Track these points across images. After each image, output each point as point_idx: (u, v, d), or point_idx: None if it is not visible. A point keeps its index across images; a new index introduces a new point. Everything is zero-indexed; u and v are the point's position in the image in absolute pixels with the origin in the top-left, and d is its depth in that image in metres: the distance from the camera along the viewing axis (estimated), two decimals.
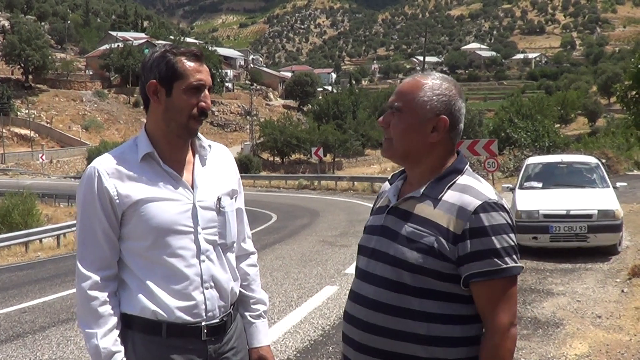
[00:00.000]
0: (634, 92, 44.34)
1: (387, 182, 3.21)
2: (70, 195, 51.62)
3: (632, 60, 46.07)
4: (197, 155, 3.24)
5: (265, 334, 3.47)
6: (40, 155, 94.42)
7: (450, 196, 2.82)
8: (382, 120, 2.96)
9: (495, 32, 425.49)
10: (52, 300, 13.50)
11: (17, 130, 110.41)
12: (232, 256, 3.30)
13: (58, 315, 11.86)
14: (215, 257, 3.15)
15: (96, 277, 3.02)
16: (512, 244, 2.76)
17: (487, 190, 2.84)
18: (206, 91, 3.09)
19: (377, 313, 2.82)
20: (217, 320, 3.13)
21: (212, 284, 3.11)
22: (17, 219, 34.14)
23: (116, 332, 3.01)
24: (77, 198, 3.13)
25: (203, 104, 3.07)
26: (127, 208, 3.04)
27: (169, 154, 3.15)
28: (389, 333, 2.79)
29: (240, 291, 3.38)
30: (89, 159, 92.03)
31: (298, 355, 8.51)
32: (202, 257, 3.09)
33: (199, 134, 3.25)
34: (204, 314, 3.08)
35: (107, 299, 3.02)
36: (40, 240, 29.32)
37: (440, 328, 2.74)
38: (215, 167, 3.30)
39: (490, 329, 2.73)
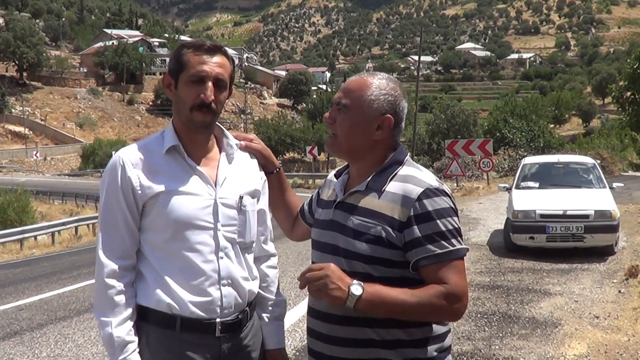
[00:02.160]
0: (629, 93, 44.43)
1: (332, 174, 3.33)
2: (65, 193, 51.61)
3: (628, 61, 46.21)
4: (223, 153, 3.24)
5: (282, 337, 3.46)
6: (34, 152, 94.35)
7: (393, 187, 2.92)
8: (328, 116, 3.04)
9: (489, 32, 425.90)
10: (49, 297, 13.49)
11: (11, 127, 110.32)
12: (250, 256, 3.28)
13: (55, 312, 11.85)
14: (233, 255, 3.13)
15: (114, 266, 3.02)
16: (456, 226, 2.87)
17: (428, 178, 2.93)
18: (209, 83, 3.04)
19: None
20: (232, 318, 3.11)
21: (230, 281, 3.09)
22: (11, 216, 34.21)
23: (131, 322, 3.01)
24: (101, 187, 3.13)
25: (202, 95, 3.03)
26: (148, 199, 3.04)
27: (193, 149, 3.15)
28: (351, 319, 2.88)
29: (258, 292, 3.36)
30: (83, 157, 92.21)
31: (297, 353, 8.51)
32: (221, 254, 3.08)
33: (227, 132, 3.27)
34: (219, 310, 3.06)
35: (124, 289, 3.02)
36: (35, 237, 29.35)
37: None
38: (241, 166, 3.29)
39: (443, 289, 2.78)
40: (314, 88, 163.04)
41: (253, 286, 3.26)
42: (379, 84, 2.97)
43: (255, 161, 3.41)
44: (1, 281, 16.74)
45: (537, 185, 16.25)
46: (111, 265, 3.02)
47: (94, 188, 48.14)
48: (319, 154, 69.69)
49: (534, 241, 14.69)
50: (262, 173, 3.44)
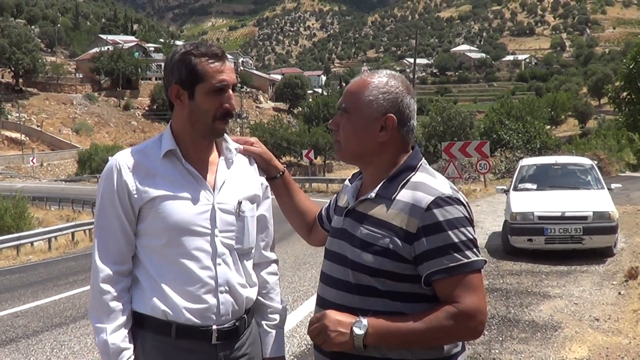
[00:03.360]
0: (625, 93, 44.45)
1: (347, 181, 3.19)
2: (62, 198, 51.52)
3: (624, 61, 46.29)
4: (222, 157, 3.18)
5: (281, 345, 3.38)
6: (30, 158, 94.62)
7: (403, 195, 2.76)
8: (333, 123, 2.94)
9: (484, 34, 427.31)
10: (45, 304, 13.42)
11: (7, 133, 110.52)
12: (249, 262, 3.23)
13: (51, 319, 11.79)
14: (231, 262, 3.07)
15: (110, 271, 2.98)
16: (471, 237, 2.69)
17: (440, 185, 2.76)
18: (230, 91, 3.03)
19: None
20: (229, 325, 3.05)
21: (227, 288, 3.03)
22: (8, 222, 34.14)
23: (126, 328, 2.98)
24: (98, 190, 3.09)
25: (227, 105, 3.02)
26: (144, 204, 3.00)
27: (193, 153, 3.09)
28: None
29: (258, 299, 3.30)
30: (80, 162, 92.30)
31: (295, 359, 8.45)
32: (218, 261, 3.02)
33: (227, 136, 3.20)
34: (216, 317, 3.01)
35: (120, 294, 2.98)
36: (32, 243, 29.28)
37: None
38: (240, 170, 3.23)
39: (454, 310, 2.63)
40: (309, 92, 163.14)
41: (251, 293, 3.19)
42: (377, 82, 2.86)
43: (255, 166, 3.35)
44: None
45: (535, 187, 16.21)
46: (107, 271, 2.99)
47: (91, 193, 48.18)
48: (316, 158, 69.60)
49: (532, 243, 14.64)
50: (263, 178, 3.36)
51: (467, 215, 2.72)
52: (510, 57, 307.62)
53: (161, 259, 3.00)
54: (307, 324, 2.71)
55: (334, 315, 2.67)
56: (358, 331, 2.61)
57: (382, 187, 2.82)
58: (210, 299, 2.99)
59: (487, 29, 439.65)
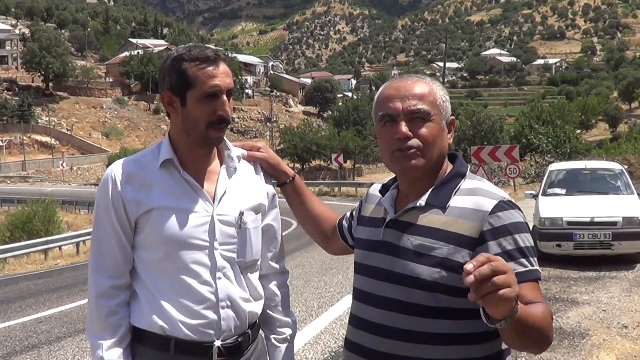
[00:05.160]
0: None
1: (374, 188, 3.04)
2: (91, 202, 51.83)
3: None
4: (224, 166, 3.05)
5: (290, 359, 3.27)
6: (60, 162, 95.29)
7: (458, 201, 2.63)
8: (404, 131, 2.64)
9: (515, 38, 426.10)
10: (69, 309, 13.44)
11: (37, 137, 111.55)
12: (253, 275, 3.09)
13: (75, 325, 11.77)
14: (232, 275, 2.95)
15: (106, 285, 2.90)
16: (533, 244, 2.55)
17: (497, 190, 2.65)
18: (224, 97, 2.87)
19: (385, 339, 2.62)
20: (231, 341, 2.94)
21: (229, 303, 2.91)
22: (37, 226, 34.35)
23: (123, 344, 2.89)
24: (95, 203, 3.00)
25: (220, 112, 2.86)
26: (140, 215, 2.89)
27: (191, 162, 2.97)
28: None
29: (266, 312, 3.20)
30: (109, 166, 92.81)
31: None
32: (219, 275, 2.90)
33: (229, 143, 3.08)
34: (217, 333, 2.90)
35: (116, 309, 2.90)
36: (60, 247, 29.38)
37: (459, 350, 2.54)
38: (243, 179, 3.10)
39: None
40: (339, 95, 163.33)
41: (255, 307, 3.06)
42: (436, 84, 2.75)
43: (261, 174, 3.21)
44: (23, 292, 16.74)
45: (564, 191, 16.04)
46: (102, 285, 2.91)
47: None
48: (345, 162, 69.59)
49: (561, 249, 14.49)
50: (270, 187, 3.23)
51: (526, 221, 2.60)
52: (540, 61, 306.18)
53: (159, 272, 2.90)
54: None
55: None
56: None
57: (432, 195, 2.67)
58: (211, 314, 2.88)
59: (518, 32, 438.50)
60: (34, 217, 34.92)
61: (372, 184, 3.23)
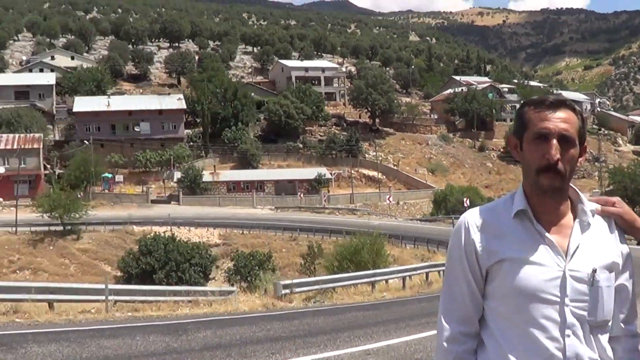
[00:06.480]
0: None
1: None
2: (417, 237, 52.73)
3: None
4: (577, 220, 2.93)
5: None
6: (387, 196, 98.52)
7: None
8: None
9: None
10: (396, 344, 13.64)
11: (365, 171, 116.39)
12: (604, 337, 2.91)
13: None
14: (581, 334, 2.81)
15: (455, 330, 2.94)
16: None
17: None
18: (553, 141, 2.78)
19: None
20: None
21: None
22: (365, 258, 35.36)
23: None
24: (448, 249, 3.07)
25: (546, 155, 2.78)
26: (491, 265, 2.88)
27: (542, 214, 2.89)
28: None
29: None
30: (435, 202, 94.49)
31: None
32: (567, 332, 2.78)
33: (582, 196, 2.97)
34: None
35: (464, 356, 2.92)
36: (386, 280, 30.09)
37: None
38: (597, 235, 2.93)
39: None
40: None
41: None
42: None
43: (615, 233, 3.00)
44: (351, 323, 17.28)
45: None
46: (451, 330, 2.96)
47: (446, 234, 48.69)
48: None
49: None
50: (625, 246, 3.02)
51: None
52: None
53: (508, 324, 2.86)
54: None
55: None
56: None
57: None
58: None
59: None
60: (362, 249, 36.02)
61: None
